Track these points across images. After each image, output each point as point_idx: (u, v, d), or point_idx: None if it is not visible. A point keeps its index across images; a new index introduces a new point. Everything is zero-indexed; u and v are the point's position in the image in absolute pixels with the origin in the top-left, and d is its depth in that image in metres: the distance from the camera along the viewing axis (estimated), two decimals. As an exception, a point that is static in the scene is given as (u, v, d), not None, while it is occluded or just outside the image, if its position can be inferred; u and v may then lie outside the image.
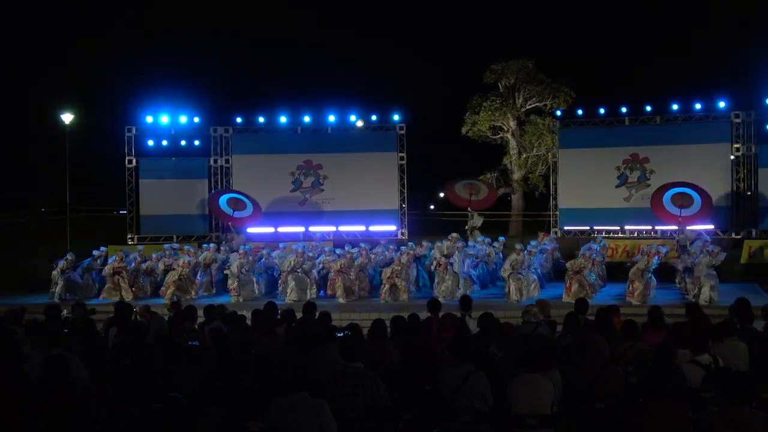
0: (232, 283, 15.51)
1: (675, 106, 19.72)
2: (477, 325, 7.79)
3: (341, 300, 15.12)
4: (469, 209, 19.19)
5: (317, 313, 9.00)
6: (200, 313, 9.24)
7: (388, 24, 35.30)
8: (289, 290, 15.41)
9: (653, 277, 14.60)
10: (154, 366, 6.32)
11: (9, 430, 5.29)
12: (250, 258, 16.00)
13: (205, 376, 5.32)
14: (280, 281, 15.89)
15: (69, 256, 16.38)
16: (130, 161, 20.58)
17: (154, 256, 16.66)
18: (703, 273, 14.10)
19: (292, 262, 15.50)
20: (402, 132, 20.82)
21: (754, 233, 18.72)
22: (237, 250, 16.25)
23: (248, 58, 32.72)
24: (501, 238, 18.29)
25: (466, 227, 18.97)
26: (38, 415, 5.28)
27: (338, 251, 16.33)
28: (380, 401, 5.65)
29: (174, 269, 15.91)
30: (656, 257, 14.73)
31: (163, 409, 4.47)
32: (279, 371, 5.86)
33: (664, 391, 4.91)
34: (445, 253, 15.62)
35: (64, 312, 9.97)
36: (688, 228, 17.23)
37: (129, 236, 20.36)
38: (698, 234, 16.46)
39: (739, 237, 18.72)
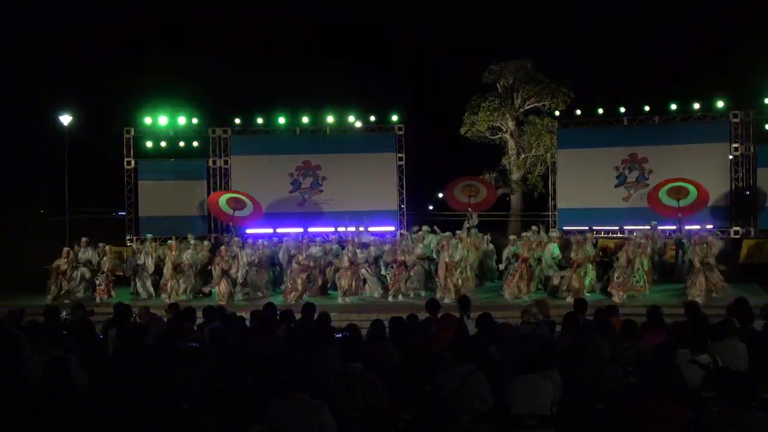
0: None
1: (673, 106, 19.74)
2: (475, 326, 7.79)
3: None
4: (468, 209, 19.17)
5: (316, 314, 9.00)
6: (199, 314, 9.26)
7: (386, 24, 35.29)
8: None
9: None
10: (153, 367, 6.32)
11: (9, 430, 5.28)
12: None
13: (205, 376, 5.32)
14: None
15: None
16: (128, 162, 20.56)
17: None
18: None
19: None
20: (401, 132, 20.81)
21: (752, 232, 18.75)
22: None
23: (246, 58, 32.73)
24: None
25: (465, 227, 18.92)
26: (38, 416, 5.28)
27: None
28: (380, 401, 5.65)
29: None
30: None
31: (163, 410, 4.46)
32: (279, 372, 5.86)
33: (664, 391, 4.90)
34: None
35: (63, 314, 9.98)
36: (686, 228, 17.23)
37: (128, 237, 20.34)
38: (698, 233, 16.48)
39: (738, 236, 18.74)
